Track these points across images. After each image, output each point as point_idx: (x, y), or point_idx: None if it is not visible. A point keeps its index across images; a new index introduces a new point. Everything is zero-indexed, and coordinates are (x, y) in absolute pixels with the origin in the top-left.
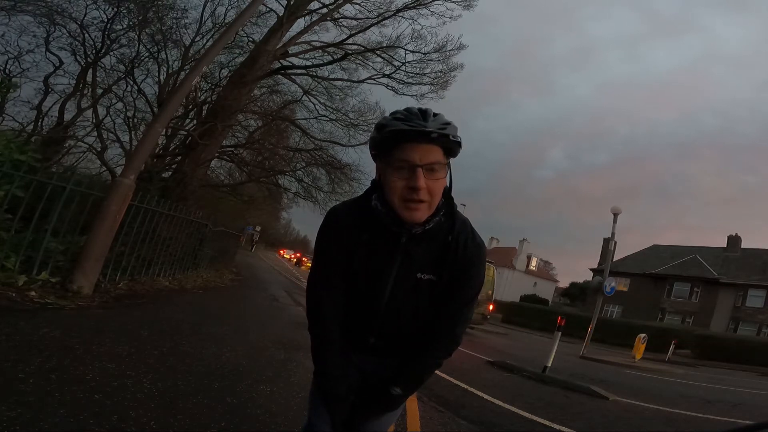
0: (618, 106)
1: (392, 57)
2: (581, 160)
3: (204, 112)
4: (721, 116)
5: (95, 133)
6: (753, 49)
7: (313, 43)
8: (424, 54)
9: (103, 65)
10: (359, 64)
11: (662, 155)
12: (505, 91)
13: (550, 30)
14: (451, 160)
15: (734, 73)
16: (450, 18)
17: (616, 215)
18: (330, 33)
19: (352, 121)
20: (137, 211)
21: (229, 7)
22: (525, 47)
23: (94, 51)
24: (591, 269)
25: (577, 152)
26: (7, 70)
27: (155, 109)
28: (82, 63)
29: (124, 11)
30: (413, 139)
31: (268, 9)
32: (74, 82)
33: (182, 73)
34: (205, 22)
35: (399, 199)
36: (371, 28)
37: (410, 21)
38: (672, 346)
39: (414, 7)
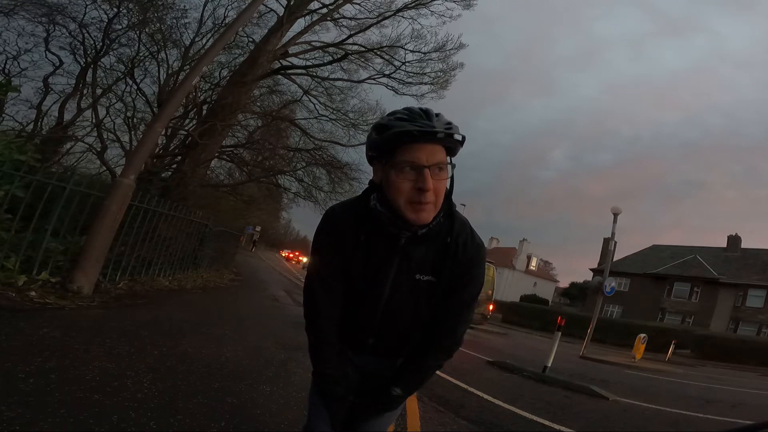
0: (621, 107)
1: (392, 57)
2: (583, 161)
3: (204, 112)
4: (726, 117)
5: (95, 133)
6: (758, 48)
7: (313, 43)
8: (424, 53)
9: (102, 65)
10: (359, 64)
11: (664, 156)
12: (508, 92)
13: (554, 30)
14: (453, 161)
15: (739, 74)
16: (450, 18)
17: (616, 215)
18: (330, 33)
19: (352, 121)
20: (137, 211)
21: (229, 7)
22: (529, 48)
23: (93, 51)
24: (591, 269)
25: (580, 153)
26: (6, 70)
27: (155, 109)
28: (82, 63)
29: (124, 11)
30: (420, 139)
31: (268, 9)
32: (74, 82)
33: (182, 73)
34: (205, 22)
35: (405, 200)
36: (371, 28)
37: (410, 21)
38: (672, 346)
39: (414, 7)
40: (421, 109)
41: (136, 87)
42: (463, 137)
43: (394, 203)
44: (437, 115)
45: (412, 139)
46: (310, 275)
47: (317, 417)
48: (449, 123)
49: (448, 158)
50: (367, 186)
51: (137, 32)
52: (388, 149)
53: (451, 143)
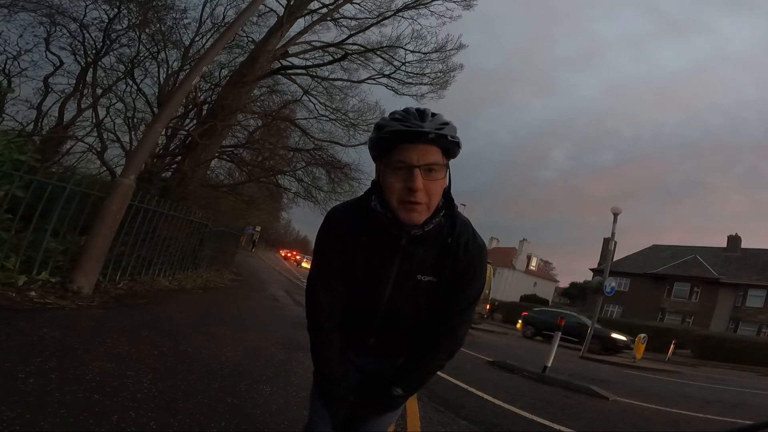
0: (621, 107)
1: (392, 57)
2: (584, 161)
3: (204, 112)
4: (726, 117)
5: (95, 133)
6: (758, 48)
7: (313, 43)
8: (423, 54)
9: (103, 65)
10: (359, 64)
11: (665, 156)
12: (508, 92)
13: (554, 31)
14: (452, 162)
15: (739, 74)
16: (450, 18)
17: (616, 215)
18: (330, 33)
19: (352, 121)
20: (137, 211)
21: (229, 7)
22: (529, 48)
23: (94, 51)
24: (591, 269)
25: (580, 153)
26: (6, 70)
27: (155, 109)
28: (82, 63)
29: (124, 11)
30: (411, 139)
31: (268, 9)
32: (74, 82)
33: (182, 73)
34: (204, 22)
35: (397, 200)
36: (371, 28)
37: (410, 21)
38: (672, 346)
39: (414, 7)
40: (417, 109)
41: (136, 87)
42: (459, 140)
43: (389, 202)
44: (434, 115)
45: (404, 138)
46: (312, 275)
47: (318, 417)
48: (444, 123)
49: (445, 159)
50: (369, 186)
51: (137, 32)
52: (385, 148)
53: (447, 144)
